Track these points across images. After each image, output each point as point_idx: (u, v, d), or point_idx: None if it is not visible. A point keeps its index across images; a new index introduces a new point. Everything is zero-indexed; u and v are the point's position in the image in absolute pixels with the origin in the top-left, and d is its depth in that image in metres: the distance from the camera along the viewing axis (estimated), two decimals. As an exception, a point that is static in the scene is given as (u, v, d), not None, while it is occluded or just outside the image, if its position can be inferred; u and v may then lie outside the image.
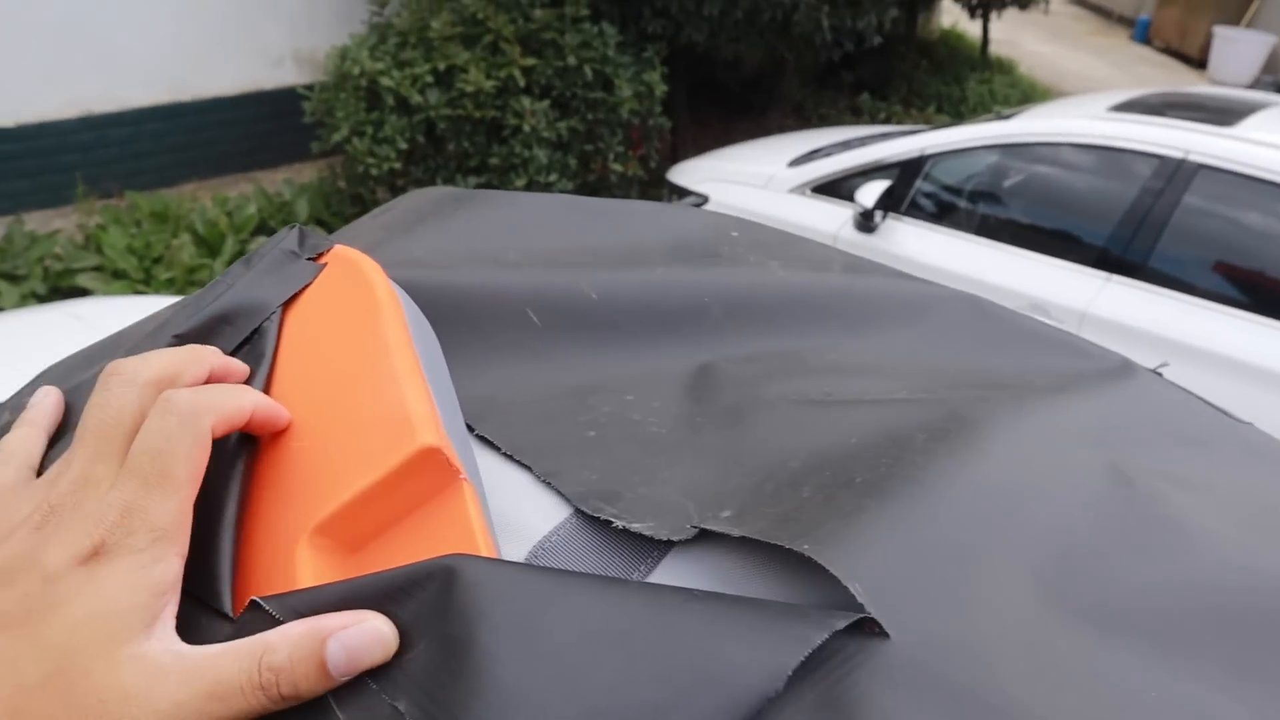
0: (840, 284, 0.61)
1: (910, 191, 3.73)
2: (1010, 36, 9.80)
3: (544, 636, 0.32)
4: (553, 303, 0.52)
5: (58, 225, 5.17)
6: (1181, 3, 10.15)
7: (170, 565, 0.35)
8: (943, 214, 3.72)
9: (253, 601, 0.35)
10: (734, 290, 0.57)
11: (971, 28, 8.92)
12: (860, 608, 0.34)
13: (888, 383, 0.52)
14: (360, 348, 0.45)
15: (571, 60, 4.97)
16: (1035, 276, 3.34)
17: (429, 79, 4.83)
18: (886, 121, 7.01)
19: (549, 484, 0.43)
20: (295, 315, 0.49)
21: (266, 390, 0.45)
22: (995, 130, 3.65)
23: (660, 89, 5.33)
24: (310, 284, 0.50)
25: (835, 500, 0.39)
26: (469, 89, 4.78)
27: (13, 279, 4.34)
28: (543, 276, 0.54)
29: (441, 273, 0.53)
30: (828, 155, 4.13)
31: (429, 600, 0.33)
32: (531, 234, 0.59)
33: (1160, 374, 0.61)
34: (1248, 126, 3.20)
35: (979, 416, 0.47)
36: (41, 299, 4.26)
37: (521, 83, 4.89)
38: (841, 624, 0.33)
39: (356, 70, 4.80)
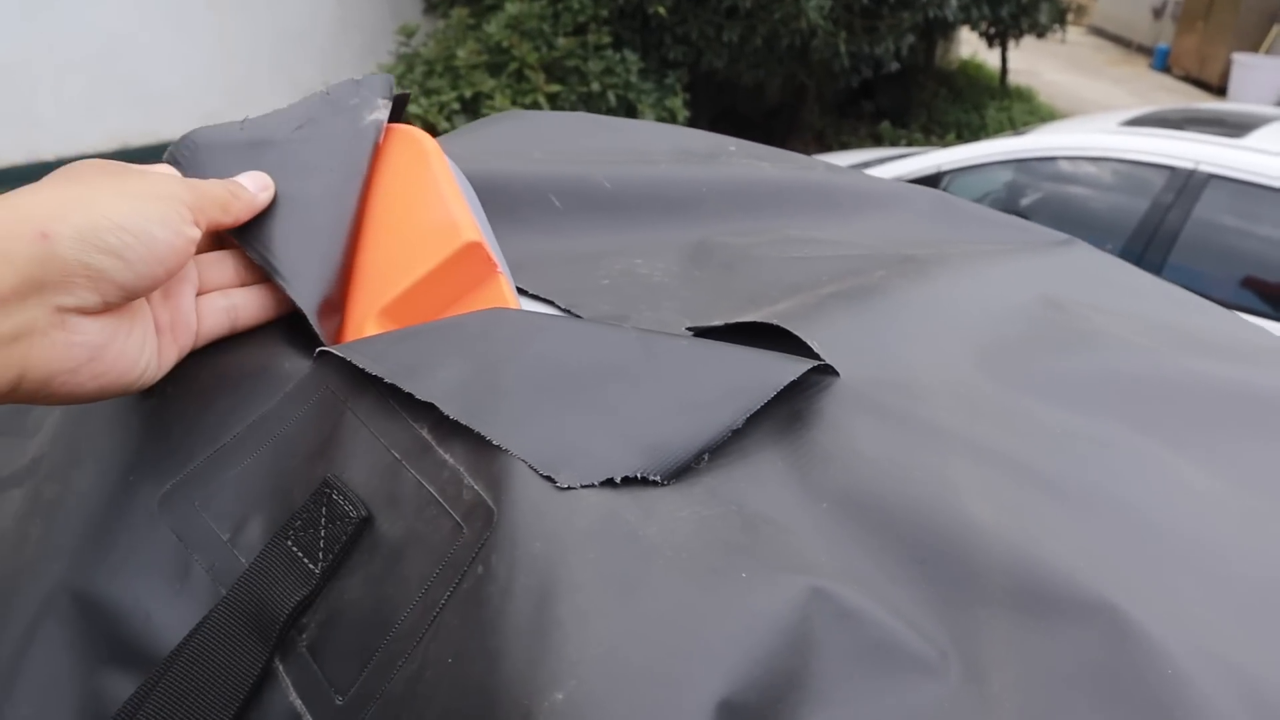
0: (822, 179, 0.69)
1: (927, 207, 3.79)
2: (1029, 66, 9.90)
3: (567, 360, 0.39)
4: (571, 189, 0.60)
5: (95, 252, 5.32)
6: (1200, 30, 10.23)
7: None
8: (959, 229, 3.78)
9: (321, 350, 0.43)
10: (729, 183, 0.65)
11: (990, 58, 9.03)
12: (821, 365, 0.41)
13: (859, 247, 0.60)
14: (419, 185, 0.52)
15: (595, 87, 5.10)
16: (1050, 287, 3.39)
17: (455, 106, 4.97)
18: (907, 148, 7.10)
19: (570, 312, 0.50)
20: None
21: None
22: (1009, 146, 3.72)
23: (683, 114, 5.44)
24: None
25: (804, 303, 0.47)
26: (495, 115, 4.91)
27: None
28: (563, 168, 0.62)
29: (476, 164, 0.61)
30: (846, 174, 4.21)
31: (471, 332, 0.41)
32: (555, 139, 0.68)
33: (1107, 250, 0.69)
34: (1257, 137, 3.26)
35: (932, 260, 0.55)
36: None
37: (546, 109, 5.02)
38: (811, 365, 0.41)
39: (385, 98, 4.93)
